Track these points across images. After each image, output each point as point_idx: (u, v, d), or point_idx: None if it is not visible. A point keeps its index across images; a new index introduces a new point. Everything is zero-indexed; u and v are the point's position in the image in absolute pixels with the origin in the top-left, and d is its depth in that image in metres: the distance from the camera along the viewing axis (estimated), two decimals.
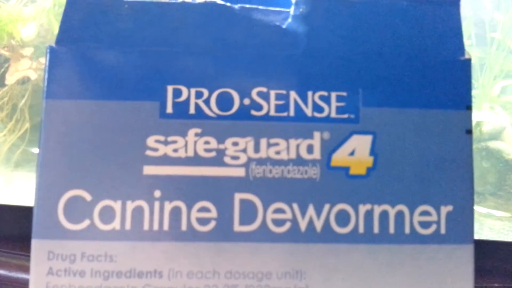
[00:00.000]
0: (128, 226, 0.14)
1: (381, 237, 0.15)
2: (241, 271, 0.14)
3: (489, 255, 0.30)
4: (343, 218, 0.15)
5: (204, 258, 0.14)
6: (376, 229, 0.15)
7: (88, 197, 0.14)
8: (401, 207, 0.15)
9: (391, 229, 0.15)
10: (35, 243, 0.14)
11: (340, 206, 0.15)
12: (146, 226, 0.14)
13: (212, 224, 0.15)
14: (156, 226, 0.14)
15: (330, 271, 0.15)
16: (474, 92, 0.47)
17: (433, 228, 0.15)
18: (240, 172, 0.15)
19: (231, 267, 0.14)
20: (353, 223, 0.15)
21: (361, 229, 0.15)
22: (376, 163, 0.15)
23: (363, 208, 0.15)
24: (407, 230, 0.15)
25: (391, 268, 0.15)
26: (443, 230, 0.15)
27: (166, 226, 0.14)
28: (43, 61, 0.18)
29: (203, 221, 0.15)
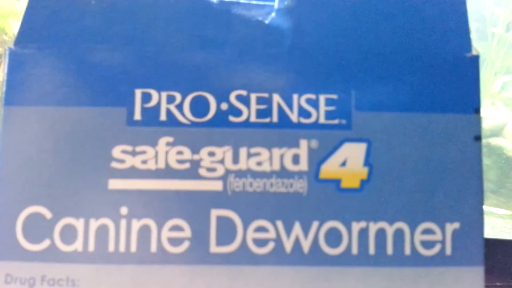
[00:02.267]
0: (91, 247, 0.13)
1: (377, 259, 0.13)
2: None
3: (490, 253, 0.28)
4: (334, 238, 0.13)
5: (177, 284, 0.13)
6: (371, 250, 0.13)
7: (48, 214, 0.13)
8: (400, 224, 0.13)
9: (389, 250, 0.13)
10: None
11: (331, 223, 0.13)
12: (111, 248, 0.13)
13: (186, 245, 0.13)
14: (122, 248, 0.13)
15: None
16: None
17: (437, 248, 0.13)
18: (217, 186, 0.13)
19: None
20: (346, 243, 0.13)
21: (354, 250, 0.13)
22: (371, 175, 0.13)
23: (356, 226, 0.13)
24: (407, 251, 0.13)
25: None
26: (448, 251, 0.13)
27: (133, 248, 0.13)
28: None
29: (175, 242, 0.13)
